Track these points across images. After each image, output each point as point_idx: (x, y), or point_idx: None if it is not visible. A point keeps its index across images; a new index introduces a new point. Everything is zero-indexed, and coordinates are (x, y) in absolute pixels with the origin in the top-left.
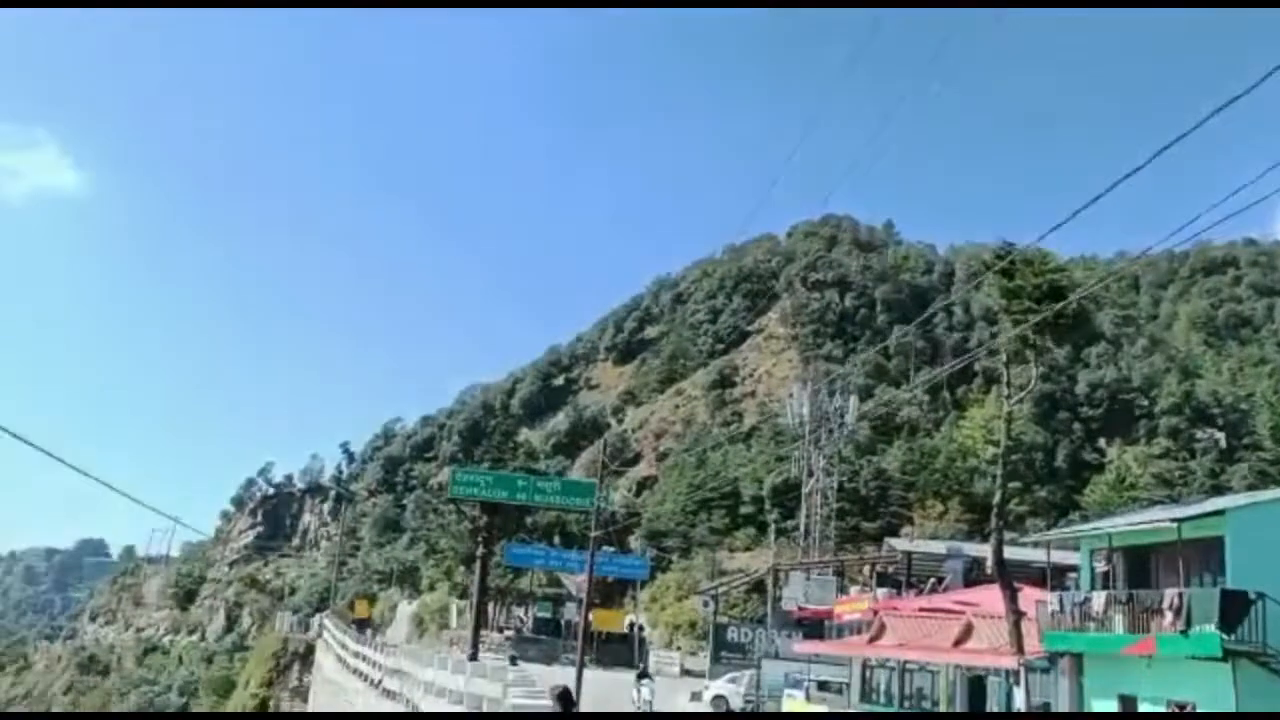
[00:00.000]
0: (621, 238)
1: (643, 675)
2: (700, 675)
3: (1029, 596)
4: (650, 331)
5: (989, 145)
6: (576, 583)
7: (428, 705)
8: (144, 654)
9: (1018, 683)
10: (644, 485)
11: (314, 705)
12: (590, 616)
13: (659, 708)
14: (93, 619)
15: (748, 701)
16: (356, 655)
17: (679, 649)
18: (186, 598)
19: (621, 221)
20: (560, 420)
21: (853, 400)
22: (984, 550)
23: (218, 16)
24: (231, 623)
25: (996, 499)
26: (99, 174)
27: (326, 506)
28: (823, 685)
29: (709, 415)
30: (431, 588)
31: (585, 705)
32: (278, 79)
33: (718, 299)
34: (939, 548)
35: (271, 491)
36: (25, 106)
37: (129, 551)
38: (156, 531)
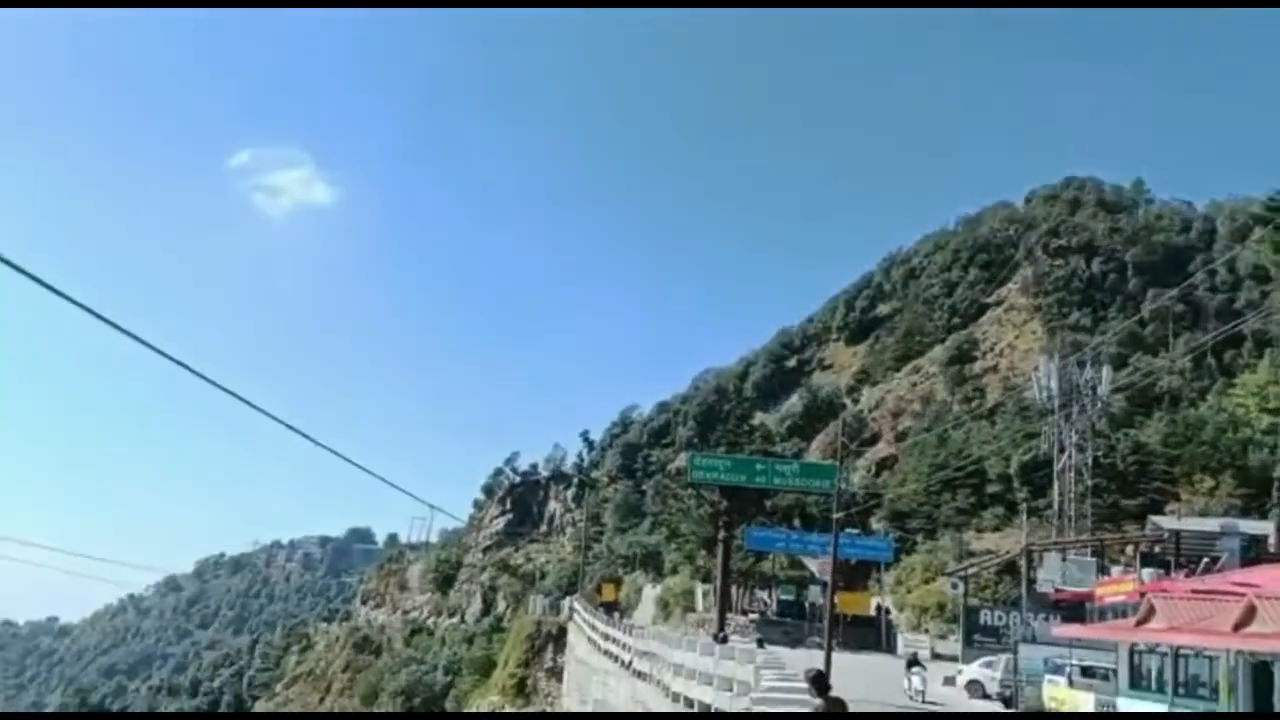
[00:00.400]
0: (849, 213)
1: (913, 663)
2: (951, 659)
3: None
4: (882, 309)
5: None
6: (819, 565)
7: (678, 687)
8: (410, 635)
9: None
10: (883, 465)
11: (568, 685)
12: (835, 599)
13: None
14: (364, 602)
15: (1005, 687)
16: (606, 638)
17: (927, 632)
18: (445, 582)
19: (849, 197)
20: (794, 402)
21: (1106, 371)
22: (1263, 527)
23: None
24: (488, 606)
25: (1278, 472)
26: (349, 187)
27: (570, 493)
28: (1086, 671)
29: (948, 392)
30: (674, 571)
31: (837, 689)
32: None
33: (952, 272)
34: (1211, 525)
35: (518, 480)
36: (286, 128)
37: (392, 539)
38: (416, 520)
